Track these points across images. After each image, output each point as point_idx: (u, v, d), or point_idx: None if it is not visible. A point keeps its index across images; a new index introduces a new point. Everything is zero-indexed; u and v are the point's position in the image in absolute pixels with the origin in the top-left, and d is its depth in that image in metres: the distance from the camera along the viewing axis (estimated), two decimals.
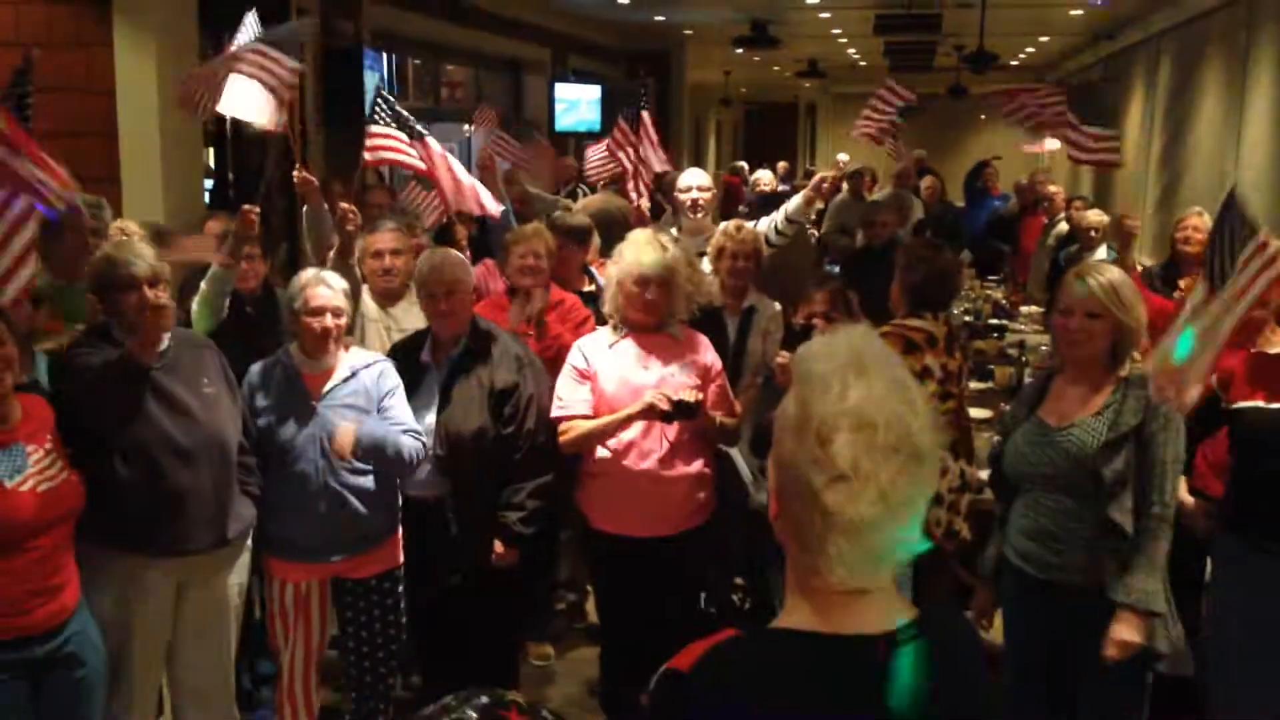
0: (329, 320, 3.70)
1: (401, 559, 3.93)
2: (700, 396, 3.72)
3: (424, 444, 3.81)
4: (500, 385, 3.87)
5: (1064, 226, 8.70)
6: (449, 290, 3.90)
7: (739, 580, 5.16)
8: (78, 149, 5.36)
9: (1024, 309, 8.61)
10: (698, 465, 3.90)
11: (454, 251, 4.20)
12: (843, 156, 8.63)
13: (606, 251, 4.56)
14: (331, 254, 4.47)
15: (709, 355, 3.99)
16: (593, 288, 4.98)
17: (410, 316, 4.47)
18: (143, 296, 3.37)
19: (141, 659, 3.46)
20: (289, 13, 7.44)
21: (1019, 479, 3.35)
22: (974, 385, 5.93)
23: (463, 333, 3.96)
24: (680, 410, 3.67)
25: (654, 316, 3.89)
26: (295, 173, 4.65)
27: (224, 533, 3.54)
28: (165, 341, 3.44)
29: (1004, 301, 8.67)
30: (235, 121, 4.91)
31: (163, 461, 3.37)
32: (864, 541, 1.39)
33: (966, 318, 7.64)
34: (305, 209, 4.84)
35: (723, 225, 4.85)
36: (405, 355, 4.02)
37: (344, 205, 4.43)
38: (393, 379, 3.86)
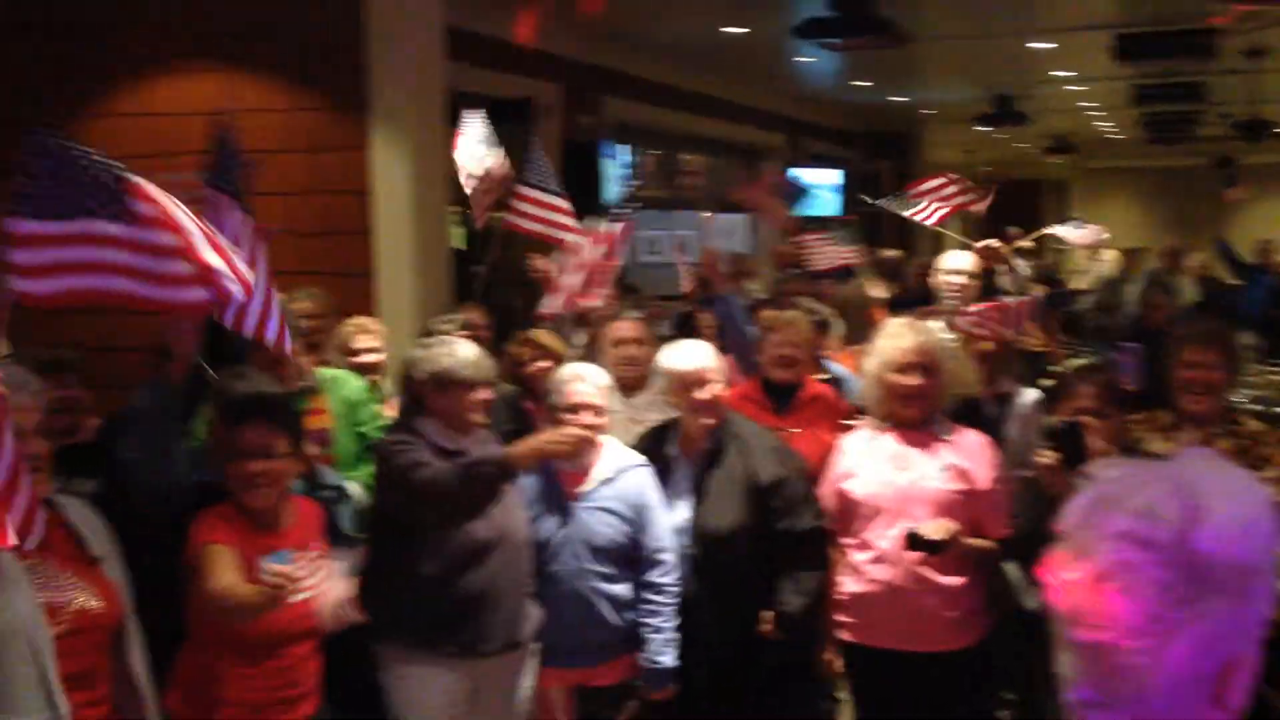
0: (586, 419, 3.60)
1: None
2: (953, 532, 3.41)
3: (672, 561, 3.65)
4: (764, 479, 3.67)
5: None
6: (702, 382, 3.75)
7: (1007, 695, 4.72)
8: (335, 246, 5.59)
9: None
10: (960, 578, 3.56)
11: (705, 343, 4.06)
12: (1076, 230, 8.13)
13: (853, 340, 4.35)
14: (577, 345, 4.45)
15: (981, 465, 3.62)
16: (826, 378, 4.73)
17: (653, 407, 4.36)
18: (477, 397, 3.41)
19: None
20: (530, 112, 7.64)
21: None
22: None
23: (713, 425, 3.80)
24: (921, 546, 3.38)
25: (919, 408, 3.62)
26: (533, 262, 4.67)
27: (517, 634, 3.47)
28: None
29: None
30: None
31: (463, 560, 3.36)
32: None
33: (1254, 405, 6.95)
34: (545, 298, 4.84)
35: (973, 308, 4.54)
36: (651, 448, 3.88)
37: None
38: (655, 491, 3.72)
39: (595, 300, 4.84)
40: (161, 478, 3.21)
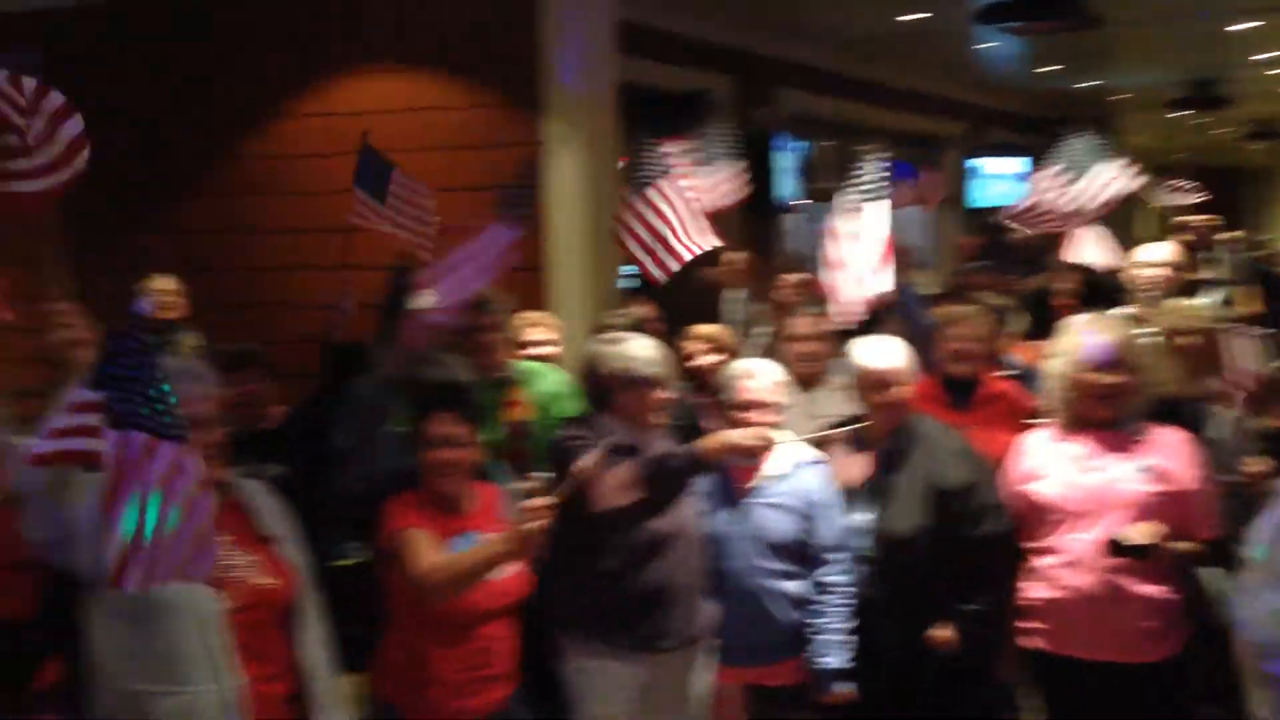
0: (759, 417, 3.55)
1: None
2: (1159, 536, 3.21)
3: (846, 562, 3.56)
4: (949, 483, 3.54)
5: None
6: (891, 382, 3.64)
7: (1208, 710, 4.44)
8: None
9: None
10: (1160, 585, 3.34)
11: (891, 338, 3.93)
12: None
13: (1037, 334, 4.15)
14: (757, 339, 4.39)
15: (1183, 464, 3.39)
16: (1010, 374, 4.52)
17: (831, 402, 4.25)
18: (659, 396, 3.42)
19: None
20: (703, 107, 7.58)
21: None
22: None
23: (896, 424, 3.68)
24: (1124, 552, 3.20)
25: (1114, 407, 3.41)
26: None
27: (693, 630, 3.46)
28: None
29: None
30: None
31: (641, 555, 3.35)
32: None
33: None
34: (724, 294, 4.79)
35: (1168, 303, 4.28)
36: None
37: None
38: (830, 489, 3.63)
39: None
40: (369, 464, 3.37)
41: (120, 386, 2.25)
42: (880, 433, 3.68)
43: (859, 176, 4.54)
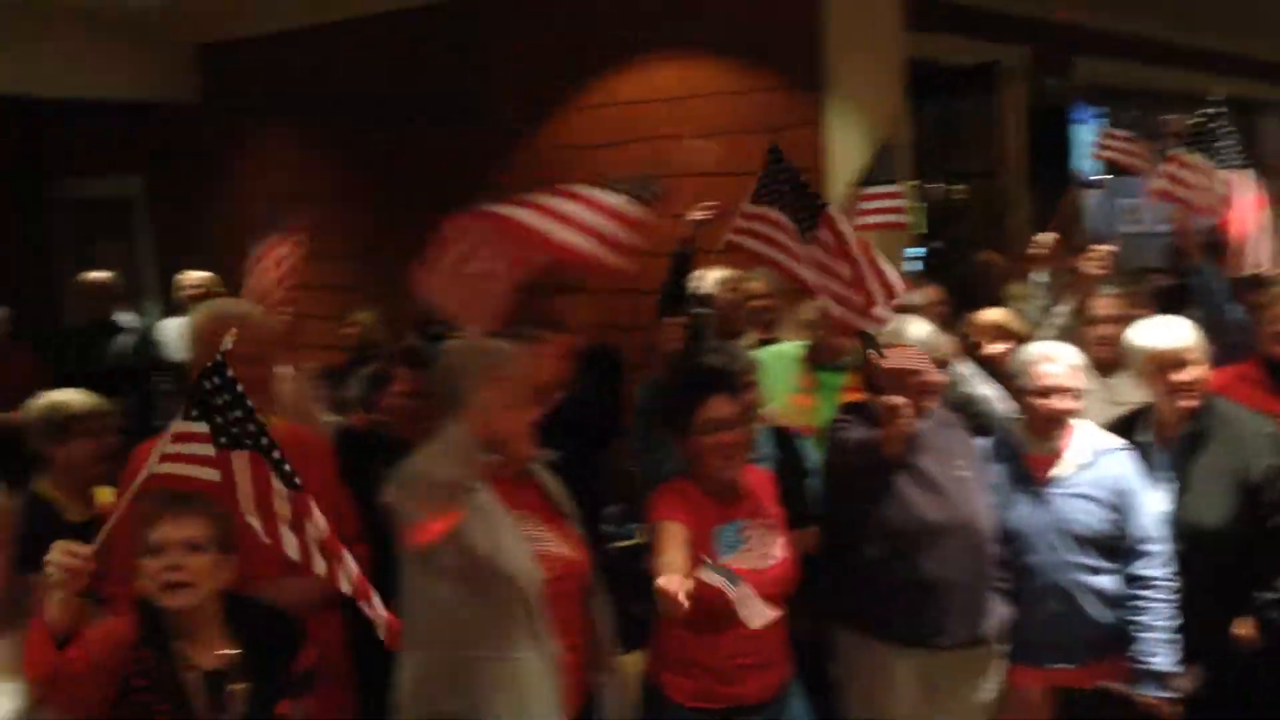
0: (1059, 402, 3.37)
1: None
2: None
3: (1166, 554, 3.32)
4: (1257, 472, 3.29)
5: None
6: (1182, 362, 3.38)
7: None
8: None
9: None
10: None
11: (1181, 319, 3.65)
12: None
13: None
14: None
15: None
16: None
17: (1132, 389, 3.97)
18: (930, 380, 3.32)
19: None
20: (994, 80, 7.26)
21: None
22: None
23: (1195, 409, 3.41)
24: None
25: None
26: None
27: (977, 629, 3.32)
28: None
29: None
30: None
31: (912, 545, 3.26)
32: None
33: None
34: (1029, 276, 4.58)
35: None
36: (1123, 433, 3.56)
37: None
38: (1139, 476, 3.41)
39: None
40: (656, 468, 3.41)
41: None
42: (1174, 418, 3.43)
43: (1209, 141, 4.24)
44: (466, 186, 6.60)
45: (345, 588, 2.39)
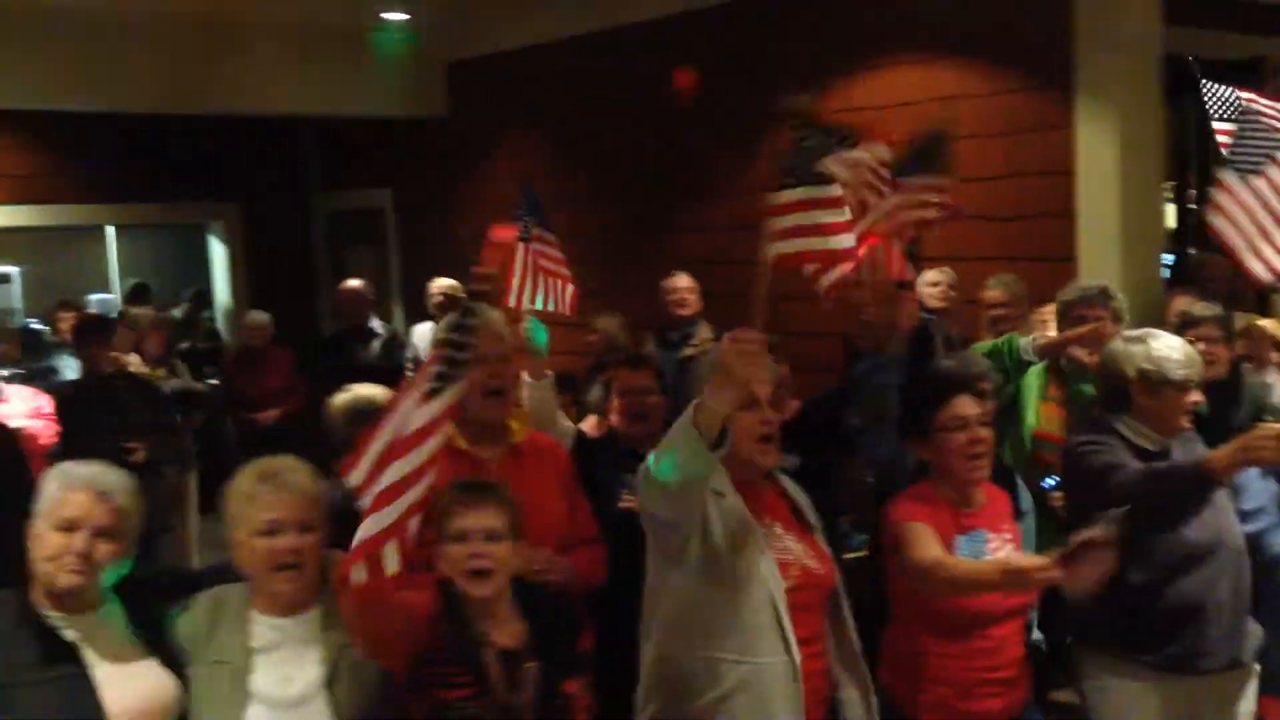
0: None
1: None
2: None
3: None
4: None
5: None
6: None
7: None
8: (1034, 230, 5.38)
9: None
10: None
11: None
12: None
13: None
14: None
15: None
16: None
17: None
18: (1188, 400, 3.18)
19: None
20: (1261, 77, 6.78)
21: None
22: None
23: None
24: None
25: None
26: None
27: (1239, 652, 3.16)
28: None
29: None
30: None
31: (1174, 567, 3.11)
32: None
33: None
34: None
35: None
36: None
37: None
38: None
39: None
40: (880, 450, 3.30)
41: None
42: None
43: None
44: (707, 193, 6.69)
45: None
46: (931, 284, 5.12)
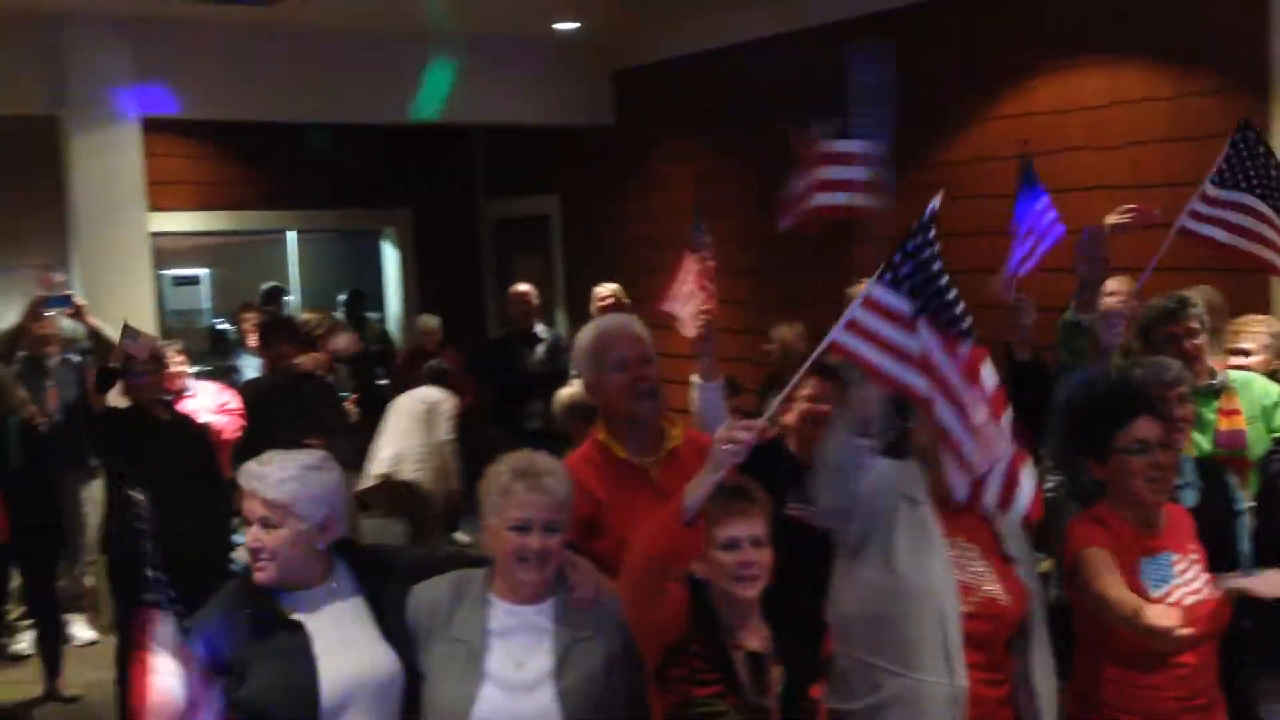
0: None
1: None
2: None
3: None
4: None
5: None
6: None
7: None
8: None
9: None
10: None
11: None
12: None
13: None
14: None
15: None
16: None
17: None
18: None
19: None
20: None
21: None
22: None
23: None
24: None
25: None
26: None
27: None
28: None
29: None
30: None
31: None
32: None
33: None
34: None
35: None
36: None
37: None
38: None
39: None
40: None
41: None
42: None
43: None
44: None
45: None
46: (1110, 293, 4.94)
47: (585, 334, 3.20)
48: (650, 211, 8.21)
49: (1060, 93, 5.70)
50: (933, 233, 2.59)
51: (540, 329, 7.42)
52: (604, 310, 6.50)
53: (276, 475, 2.58)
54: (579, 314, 8.04)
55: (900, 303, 2.52)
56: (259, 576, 2.58)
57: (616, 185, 8.55)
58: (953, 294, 2.55)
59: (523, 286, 7.43)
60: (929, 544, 2.68)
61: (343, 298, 10.16)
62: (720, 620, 2.53)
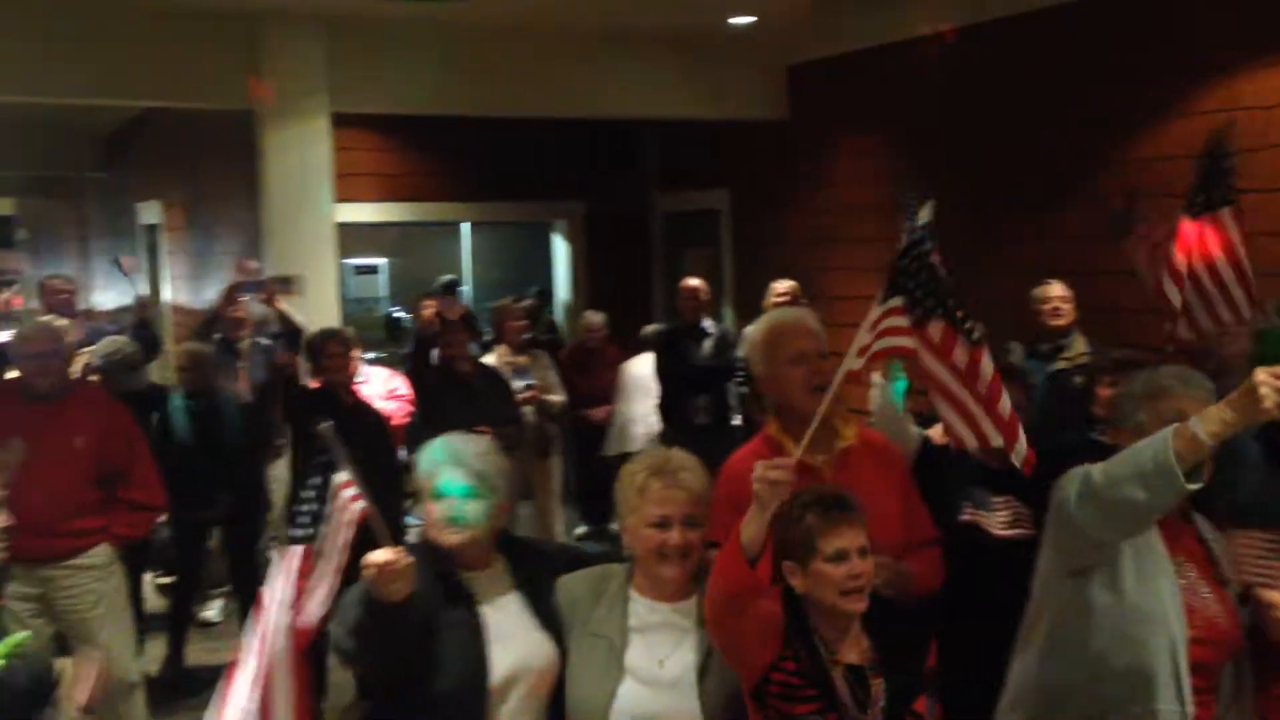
0: None
1: None
2: None
3: None
4: None
5: None
6: None
7: None
8: None
9: None
10: None
11: None
12: None
13: None
14: None
15: None
16: None
17: None
18: None
19: None
20: None
21: None
22: None
23: None
24: None
25: None
26: None
27: None
28: None
29: None
30: None
31: None
32: None
33: None
34: None
35: None
36: None
37: None
38: None
39: None
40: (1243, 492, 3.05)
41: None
42: None
43: None
44: (1065, 195, 6.35)
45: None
46: None
47: (758, 327, 3.18)
48: (822, 207, 8.11)
49: (1272, 87, 5.40)
50: (928, 244, 2.72)
51: (707, 323, 7.41)
52: (779, 306, 6.44)
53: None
54: (747, 309, 8.00)
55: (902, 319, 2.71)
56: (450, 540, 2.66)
57: (788, 181, 8.47)
58: (954, 300, 2.69)
59: (693, 281, 7.42)
60: (1156, 565, 2.54)
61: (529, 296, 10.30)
62: (818, 634, 2.45)
